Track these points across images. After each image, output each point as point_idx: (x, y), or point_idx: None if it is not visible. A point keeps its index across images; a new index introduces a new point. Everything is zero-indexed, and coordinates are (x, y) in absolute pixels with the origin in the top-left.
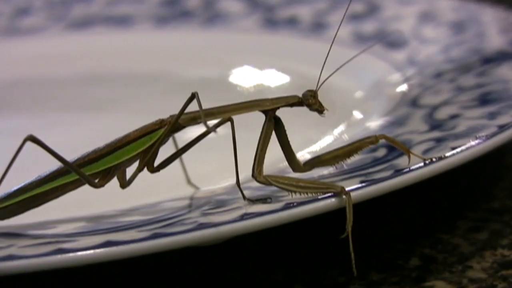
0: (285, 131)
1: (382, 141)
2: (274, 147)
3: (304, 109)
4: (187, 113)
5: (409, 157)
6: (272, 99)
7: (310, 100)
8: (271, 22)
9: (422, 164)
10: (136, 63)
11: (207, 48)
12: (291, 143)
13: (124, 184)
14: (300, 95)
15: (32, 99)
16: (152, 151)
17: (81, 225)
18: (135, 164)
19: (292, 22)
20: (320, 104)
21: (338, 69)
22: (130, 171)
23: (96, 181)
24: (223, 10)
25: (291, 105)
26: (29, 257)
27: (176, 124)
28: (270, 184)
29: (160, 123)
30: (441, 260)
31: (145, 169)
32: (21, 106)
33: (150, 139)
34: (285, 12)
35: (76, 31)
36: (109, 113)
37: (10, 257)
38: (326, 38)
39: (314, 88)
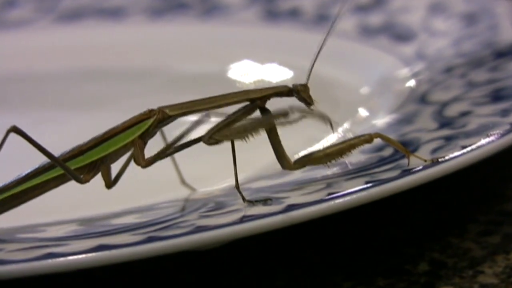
0: (274, 123)
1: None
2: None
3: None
4: (175, 104)
5: (408, 158)
6: (260, 89)
7: (299, 88)
8: (272, 14)
9: (431, 163)
10: (129, 57)
11: (205, 42)
12: (293, 141)
13: (109, 183)
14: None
15: (20, 96)
16: (141, 142)
17: (72, 228)
18: (121, 164)
19: (294, 14)
20: (310, 97)
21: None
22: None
23: (81, 176)
24: (221, 2)
25: (280, 94)
26: (18, 262)
27: (164, 114)
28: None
29: (149, 113)
30: (451, 265)
31: (132, 169)
32: (8, 103)
33: (138, 129)
34: (287, 4)
35: (66, 24)
36: (101, 111)
37: None
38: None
39: (316, 84)
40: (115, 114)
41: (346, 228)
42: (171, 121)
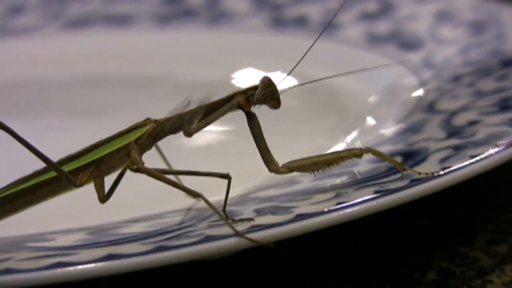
0: (259, 127)
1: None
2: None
3: (316, 115)
4: (169, 117)
5: (401, 172)
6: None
7: (264, 83)
8: (279, 22)
9: (440, 173)
10: (136, 65)
11: (211, 49)
12: (301, 149)
13: (103, 197)
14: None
15: (26, 103)
16: (137, 147)
17: (81, 237)
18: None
19: (300, 22)
20: (260, 97)
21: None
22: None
23: (76, 179)
24: (228, 9)
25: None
26: (27, 271)
27: (157, 122)
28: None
29: (145, 121)
30: (459, 274)
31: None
32: (14, 111)
33: (134, 135)
34: (294, 11)
35: (73, 31)
36: (107, 118)
37: (8, 271)
38: (337, 39)
39: (325, 93)
40: (122, 122)
41: (355, 237)
42: (164, 131)
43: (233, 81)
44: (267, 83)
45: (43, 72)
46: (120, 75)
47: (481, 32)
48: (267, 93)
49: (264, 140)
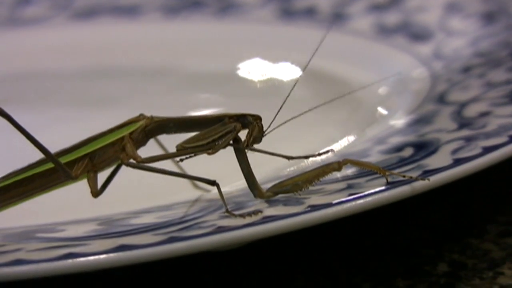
0: (245, 153)
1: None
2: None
3: (326, 106)
4: (162, 117)
5: (386, 177)
6: (235, 113)
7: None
8: (288, 13)
9: (451, 164)
10: (144, 56)
11: (220, 40)
12: (312, 141)
13: (96, 191)
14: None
15: (35, 94)
16: (131, 140)
17: (91, 227)
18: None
19: (310, 13)
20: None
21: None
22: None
23: (71, 172)
24: (236, 0)
25: (245, 117)
26: (38, 262)
27: (151, 119)
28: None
29: (139, 117)
30: (470, 266)
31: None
32: (23, 101)
33: (127, 130)
34: (303, 2)
35: (81, 21)
36: (116, 109)
37: (18, 262)
38: (346, 30)
39: (336, 84)
40: (129, 112)
41: (366, 229)
42: (156, 130)
43: (241, 72)
44: (258, 129)
45: (51, 63)
46: (128, 65)
47: (491, 23)
48: (256, 137)
49: (250, 167)
